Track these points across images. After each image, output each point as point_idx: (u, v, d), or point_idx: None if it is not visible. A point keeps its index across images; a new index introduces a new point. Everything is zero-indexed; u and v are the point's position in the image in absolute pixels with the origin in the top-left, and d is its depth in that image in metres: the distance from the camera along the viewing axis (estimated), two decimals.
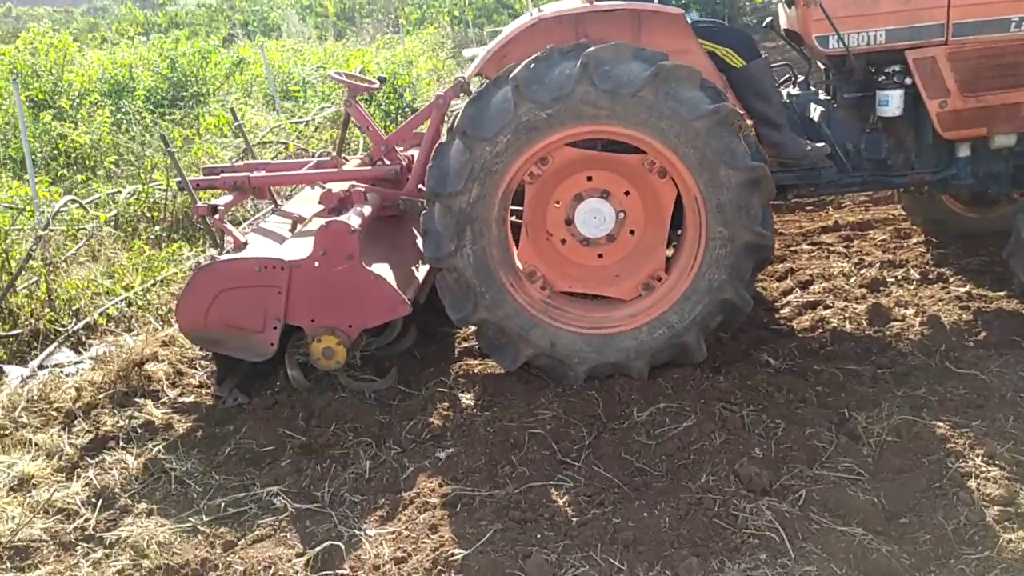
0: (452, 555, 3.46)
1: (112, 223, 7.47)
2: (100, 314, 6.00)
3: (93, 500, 4.11)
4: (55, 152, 9.49)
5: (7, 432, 4.65)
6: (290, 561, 3.58)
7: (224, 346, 4.73)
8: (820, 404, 4.34)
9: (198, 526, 3.90)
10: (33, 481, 4.25)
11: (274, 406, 4.81)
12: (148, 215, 7.88)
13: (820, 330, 5.18)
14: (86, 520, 3.98)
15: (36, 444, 4.54)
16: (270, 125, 10.24)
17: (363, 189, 5.03)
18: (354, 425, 4.59)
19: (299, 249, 4.74)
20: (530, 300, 4.68)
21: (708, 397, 4.43)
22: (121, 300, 6.24)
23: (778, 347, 4.99)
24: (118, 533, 3.87)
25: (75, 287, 6.19)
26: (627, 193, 4.66)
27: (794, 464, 3.86)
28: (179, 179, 5.85)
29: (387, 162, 5.45)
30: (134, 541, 3.78)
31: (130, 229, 7.68)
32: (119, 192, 7.90)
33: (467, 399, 4.76)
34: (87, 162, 9.02)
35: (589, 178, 4.65)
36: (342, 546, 3.62)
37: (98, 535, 3.88)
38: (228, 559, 3.64)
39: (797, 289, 5.83)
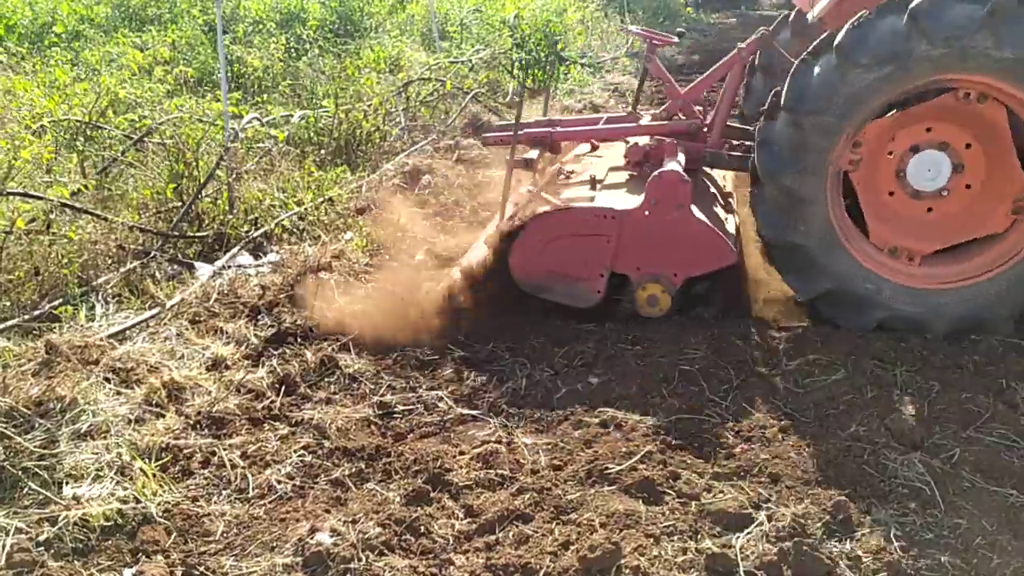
0: (606, 468, 3.70)
1: (284, 143, 7.97)
2: (276, 224, 6.48)
3: (277, 385, 4.54)
4: (229, 75, 10.11)
5: (202, 319, 5.16)
6: (455, 457, 3.90)
7: (552, 293, 4.95)
8: (977, 372, 4.34)
9: (371, 417, 4.28)
10: (226, 363, 4.73)
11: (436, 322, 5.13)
12: (315, 139, 8.34)
13: None
14: (272, 401, 4.42)
15: (226, 332, 5.02)
16: (428, 63, 10.57)
17: (673, 142, 5.23)
18: (509, 345, 4.89)
19: (619, 199, 4.98)
20: (876, 260, 4.72)
21: (859, 354, 4.50)
22: (294, 214, 6.71)
23: None
24: (301, 415, 4.29)
25: (255, 197, 6.69)
26: (968, 146, 4.56)
27: (948, 425, 3.90)
28: (505, 131, 5.85)
29: (683, 116, 5.64)
30: (316, 423, 4.18)
31: (299, 151, 8.16)
32: (291, 115, 8.39)
33: (616, 334, 4.95)
34: (261, 86, 9.58)
35: (928, 129, 4.60)
36: (503, 449, 3.91)
37: (284, 415, 4.31)
38: (399, 448, 4.00)
39: None
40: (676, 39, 5.94)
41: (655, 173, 4.72)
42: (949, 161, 4.58)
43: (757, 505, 3.44)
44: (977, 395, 4.08)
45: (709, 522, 3.36)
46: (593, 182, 5.38)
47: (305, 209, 6.80)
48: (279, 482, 3.75)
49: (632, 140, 5.65)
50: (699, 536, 3.29)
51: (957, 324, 4.62)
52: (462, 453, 3.94)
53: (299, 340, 4.96)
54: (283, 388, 4.51)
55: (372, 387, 4.54)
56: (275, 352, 4.85)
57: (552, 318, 5.09)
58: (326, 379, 4.64)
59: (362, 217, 7.04)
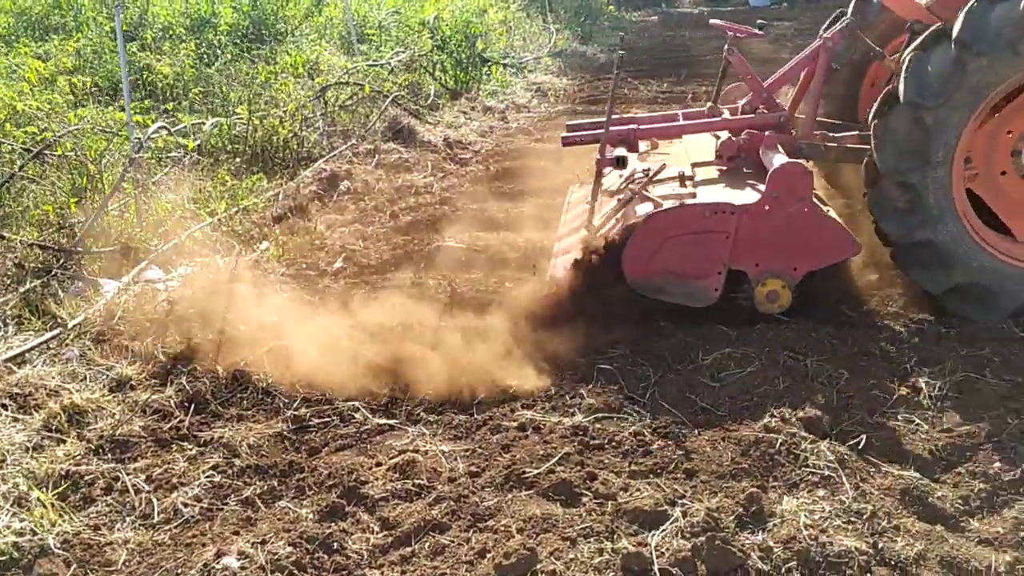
0: (524, 472, 3.67)
1: (195, 152, 7.77)
2: (187, 236, 6.30)
3: (186, 404, 4.41)
4: (138, 83, 9.82)
5: (106, 338, 4.98)
6: (371, 469, 3.83)
7: (667, 293, 4.76)
8: (883, 358, 4.44)
9: (284, 432, 4.17)
10: (131, 384, 4.57)
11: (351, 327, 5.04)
12: (229, 147, 8.15)
13: (889, 288, 5.23)
14: (180, 421, 4.28)
15: (132, 351, 4.85)
16: (346, 67, 10.43)
17: (772, 135, 5.15)
18: (425, 353, 4.82)
19: (726, 195, 4.87)
20: (975, 227, 4.65)
21: (773, 346, 4.55)
22: (206, 225, 6.53)
23: (845, 303, 5.07)
24: (211, 434, 4.16)
25: (164, 209, 6.49)
26: None
27: (856, 411, 3.98)
28: (594, 130, 5.69)
29: (764, 109, 5.57)
30: (226, 441, 4.06)
31: (212, 160, 7.96)
32: (203, 123, 8.18)
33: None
34: (171, 93, 9.32)
35: None
36: (420, 458, 3.85)
37: (192, 434, 4.18)
38: (313, 463, 3.91)
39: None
40: (761, 33, 5.78)
41: (776, 166, 4.57)
42: None
43: (672, 501, 3.45)
44: (883, 381, 4.18)
45: (625, 521, 3.36)
46: (682, 179, 5.19)
47: (218, 220, 6.62)
48: (186, 505, 3.63)
49: (720, 134, 5.55)
50: (615, 536, 3.28)
51: None
52: (379, 464, 3.87)
53: (210, 356, 4.81)
54: (192, 407, 4.38)
55: (286, 401, 4.44)
56: (184, 370, 4.70)
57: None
58: (238, 395, 4.52)
59: (279, 226, 6.90)
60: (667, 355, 4.60)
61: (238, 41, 10.81)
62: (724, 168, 5.34)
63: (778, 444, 3.74)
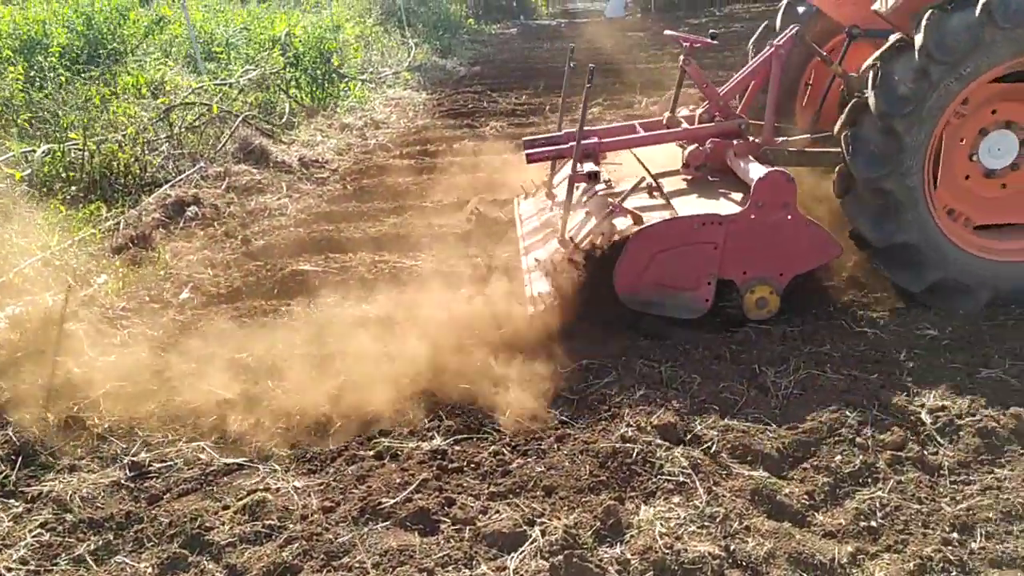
0: (380, 503, 3.54)
1: (26, 182, 7.24)
2: (15, 273, 5.84)
3: (12, 456, 4.06)
4: None
5: None
6: (217, 513, 3.62)
7: (658, 307, 4.74)
8: (733, 360, 4.55)
9: (122, 481, 3.90)
10: None
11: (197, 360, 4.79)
12: (64, 175, 7.65)
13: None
14: (5, 476, 3.93)
15: None
16: (192, 86, 10.00)
17: (745, 142, 5.14)
18: (278, 383, 4.62)
19: (707, 205, 4.84)
20: (947, 227, 4.78)
21: (629, 354, 4.61)
22: (36, 260, 6.08)
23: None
24: (40, 488, 3.84)
25: None
26: None
27: (708, 415, 4.05)
28: (557, 144, 5.68)
29: (721, 117, 5.55)
30: (56, 495, 3.76)
31: (45, 190, 7.44)
32: (33, 151, 7.64)
33: None
34: (1, 118, 8.67)
35: (993, 111, 4.73)
36: (271, 496, 3.67)
37: (19, 490, 3.85)
38: (154, 512, 3.66)
39: None
40: (714, 42, 5.80)
41: (761, 175, 4.61)
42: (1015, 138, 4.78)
43: (531, 521, 3.41)
44: (733, 383, 4.28)
45: (484, 546, 3.29)
46: (651, 190, 5.20)
47: (50, 253, 6.18)
48: (10, 570, 3.31)
49: (681, 143, 5.60)
50: (474, 562, 3.21)
51: None
52: (226, 508, 3.66)
53: (40, 401, 4.46)
54: (19, 459, 4.04)
55: (124, 446, 4.15)
56: (11, 419, 4.33)
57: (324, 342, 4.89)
58: (71, 443, 4.20)
59: (119, 257, 6.50)
60: (527, 370, 4.57)
61: (70, 64, 10.17)
62: (690, 177, 5.40)
63: (635, 454, 3.76)
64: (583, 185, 5.49)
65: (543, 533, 3.32)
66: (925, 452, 3.68)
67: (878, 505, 3.38)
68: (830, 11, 5.87)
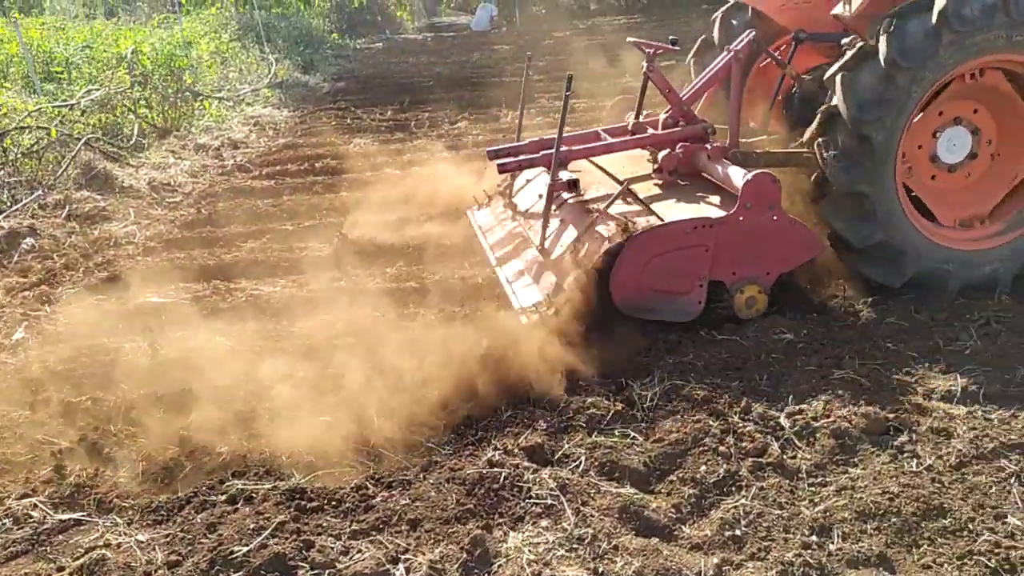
0: (232, 552, 3.31)
1: None
2: None
3: None
4: None
5: None
6: None
7: (653, 312, 4.75)
8: (600, 375, 4.53)
9: None
10: None
11: None
12: None
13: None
14: None
15: None
16: (28, 109, 9.32)
17: (719, 146, 5.28)
18: (121, 427, 4.30)
19: (693, 209, 4.94)
20: (920, 222, 5.02)
21: None
22: None
23: None
24: None
25: None
26: (975, 111, 5.04)
27: (575, 433, 4.00)
28: (512, 155, 5.64)
29: (683, 122, 5.62)
30: None
31: None
32: None
33: None
34: None
35: (940, 113, 5.02)
36: (110, 554, 3.37)
37: None
38: None
39: None
40: (676, 47, 5.80)
41: (749, 177, 4.68)
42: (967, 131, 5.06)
43: (395, 558, 3.26)
44: (600, 398, 4.25)
45: None
46: (626, 196, 5.19)
47: None
48: None
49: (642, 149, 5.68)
50: None
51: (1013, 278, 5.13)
52: (60, 570, 3.35)
53: None
54: None
55: None
56: None
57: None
58: None
59: None
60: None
61: None
62: (661, 182, 5.45)
63: (503, 478, 3.67)
64: (539, 192, 5.55)
65: (408, 571, 3.18)
66: (785, 457, 3.74)
67: (742, 513, 3.40)
68: (775, 16, 6.11)
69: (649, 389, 4.31)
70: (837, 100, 4.78)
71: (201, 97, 12.65)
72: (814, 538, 3.23)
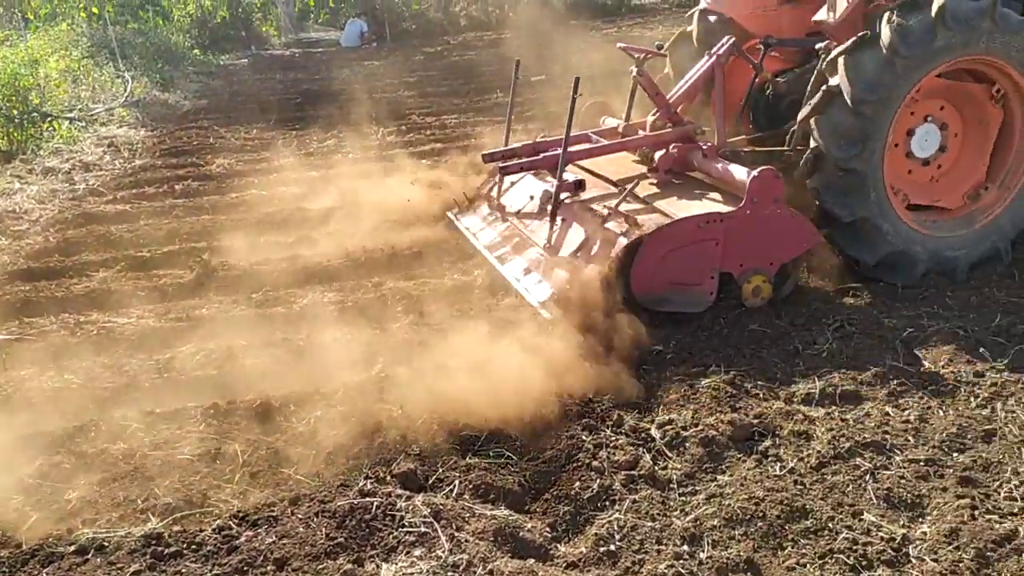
0: None
1: None
2: None
3: None
4: None
5: None
6: None
7: (669, 303, 4.95)
8: None
9: None
10: None
11: None
12: None
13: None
14: None
15: None
16: None
17: (712, 145, 5.58)
18: None
19: (701, 205, 5.18)
20: (896, 205, 5.40)
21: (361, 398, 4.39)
22: None
23: None
24: None
25: None
26: (941, 108, 5.49)
27: (449, 456, 3.93)
28: (506, 159, 5.87)
29: (671, 124, 5.88)
30: None
31: None
32: None
33: None
34: None
35: (912, 113, 5.42)
36: None
37: None
38: None
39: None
40: (664, 53, 6.20)
41: (754, 173, 4.92)
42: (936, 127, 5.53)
43: None
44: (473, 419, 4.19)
45: None
46: (623, 194, 5.29)
47: None
48: None
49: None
50: None
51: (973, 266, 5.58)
52: None
53: None
54: None
55: None
56: None
57: None
58: None
59: None
60: (254, 425, 4.23)
61: None
62: (655, 181, 5.69)
63: (374, 508, 3.55)
64: (531, 194, 5.82)
65: None
66: (656, 468, 3.78)
67: (616, 528, 3.41)
68: (744, 22, 6.51)
69: (523, 406, 4.27)
70: (840, 80, 5.13)
71: (50, 118, 11.93)
72: (685, 548, 3.27)
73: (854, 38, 5.18)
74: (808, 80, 5.58)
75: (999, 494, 3.48)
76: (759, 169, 4.98)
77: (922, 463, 3.70)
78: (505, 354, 4.55)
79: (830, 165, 5.24)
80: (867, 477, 3.63)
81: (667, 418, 4.13)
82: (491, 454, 3.97)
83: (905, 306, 5.20)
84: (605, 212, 5.20)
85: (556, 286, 4.99)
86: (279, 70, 19.84)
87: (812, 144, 5.28)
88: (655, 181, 5.71)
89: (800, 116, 5.41)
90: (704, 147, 5.67)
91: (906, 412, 4.11)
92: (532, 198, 5.86)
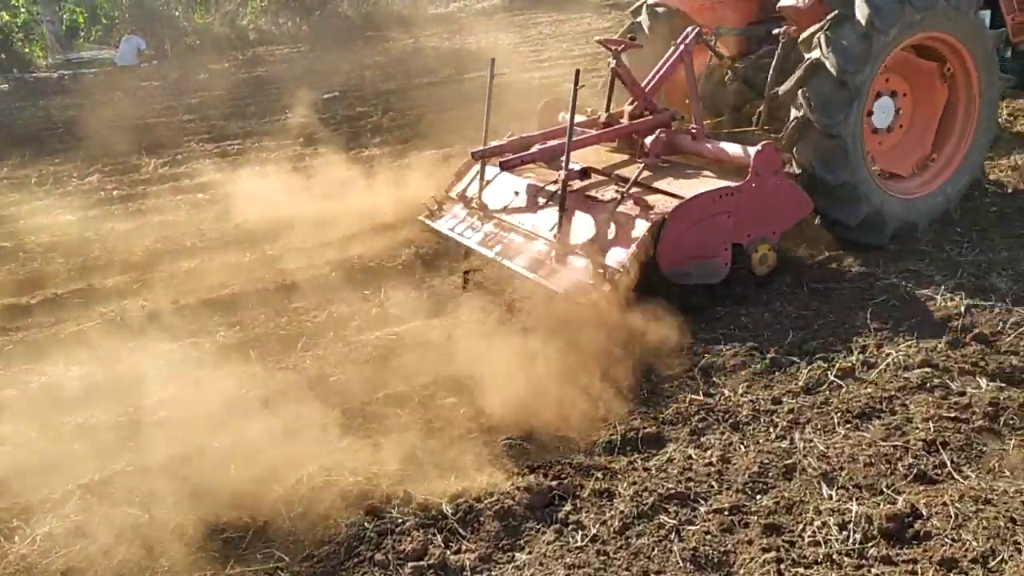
0: None
1: None
2: None
3: None
4: None
5: None
6: None
7: (690, 276, 5.15)
8: None
9: None
10: None
11: None
12: None
13: None
14: None
15: None
16: None
17: (701, 130, 5.88)
18: None
19: (713, 181, 5.39)
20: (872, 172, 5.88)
21: None
22: None
23: None
24: None
25: None
26: (887, 80, 6.01)
27: (207, 568, 3.32)
28: (528, 150, 5.94)
29: (648, 112, 6.14)
30: None
31: None
32: None
33: None
34: None
35: (887, 80, 5.99)
36: None
37: None
38: None
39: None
40: (640, 45, 6.56)
41: (757, 148, 5.26)
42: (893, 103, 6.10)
43: None
44: None
45: None
46: (632, 180, 5.42)
47: None
48: None
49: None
50: None
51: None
52: None
53: None
54: None
55: None
56: None
57: None
58: None
59: None
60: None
61: None
62: (644, 164, 5.75)
63: None
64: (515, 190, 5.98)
65: None
66: (448, 553, 3.35)
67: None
68: (694, 14, 6.82)
69: (294, 493, 3.72)
70: (821, 54, 5.56)
71: None
72: None
73: (830, 15, 5.62)
74: (764, 65, 6.35)
75: (803, 540, 3.30)
76: (761, 143, 5.34)
77: (727, 512, 3.48)
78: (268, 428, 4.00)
79: (816, 132, 5.66)
80: (672, 536, 3.37)
81: (460, 488, 3.71)
82: (258, 557, 3.41)
83: (703, 328, 5.06)
84: (609, 198, 5.43)
85: (577, 275, 5.09)
86: (43, 96, 17.95)
87: (795, 115, 5.72)
88: (645, 165, 5.86)
89: (782, 89, 5.85)
90: (693, 130, 5.97)
91: (708, 452, 3.91)
92: (517, 194, 5.99)
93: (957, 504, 3.36)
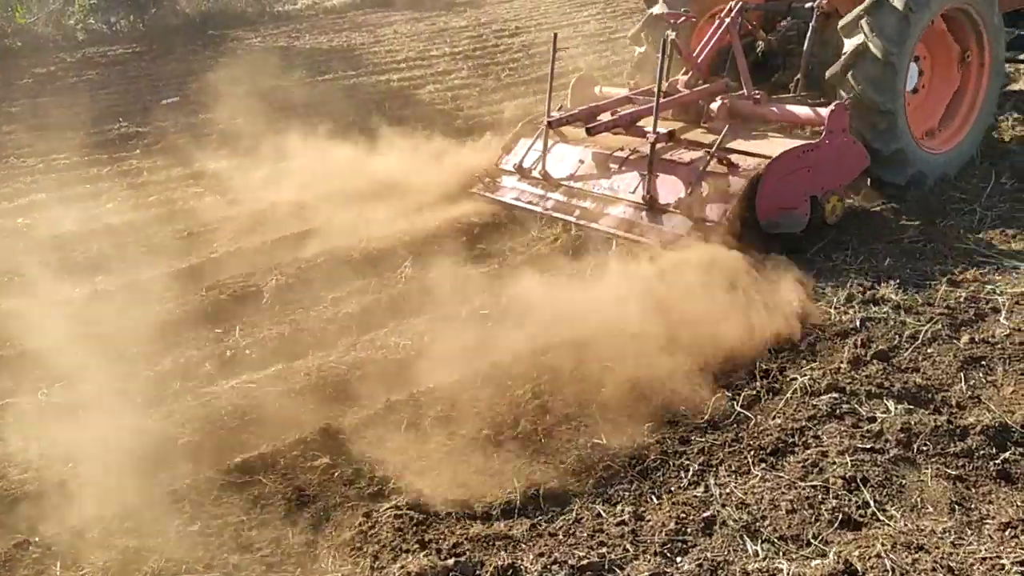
0: None
1: None
2: None
3: None
4: None
5: None
6: None
7: (779, 226, 5.63)
8: None
9: None
10: None
11: None
12: None
13: None
14: None
15: None
16: None
17: (764, 95, 6.46)
18: None
19: (773, 143, 5.95)
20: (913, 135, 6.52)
21: None
22: None
23: None
24: None
25: None
26: (925, 57, 6.75)
27: None
28: (575, 121, 6.57)
29: (703, 82, 6.74)
30: None
31: None
32: None
33: None
34: None
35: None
36: None
37: None
38: None
39: None
40: (695, 16, 7.23)
41: (832, 108, 5.79)
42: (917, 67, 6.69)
43: None
44: None
45: None
46: (717, 142, 5.85)
47: None
48: None
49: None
50: None
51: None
52: None
53: None
54: None
55: None
56: None
57: None
58: None
59: None
60: None
61: None
62: (708, 128, 6.37)
63: None
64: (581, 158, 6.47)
65: None
66: None
67: None
68: None
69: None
70: (866, 38, 6.09)
71: None
72: None
73: (866, 2, 6.13)
74: (790, 37, 7.01)
75: None
76: (835, 104, 5.83)
77: None
78: None
79: (868, 109, 6.15)
80: None
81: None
82: None
83: None
84: (689, 160, 5.87)
85: (676, 228, 5.58)
86: None
87: (845, 96, 6.16)
88: (707, 128, 6.39)
89: (828, 73, 6.30)
90: (757, 96, 6.43)
91: (618, 508, 3.51)
92: (582, 162, 6.44)
93: (891, 555, 3.09)
